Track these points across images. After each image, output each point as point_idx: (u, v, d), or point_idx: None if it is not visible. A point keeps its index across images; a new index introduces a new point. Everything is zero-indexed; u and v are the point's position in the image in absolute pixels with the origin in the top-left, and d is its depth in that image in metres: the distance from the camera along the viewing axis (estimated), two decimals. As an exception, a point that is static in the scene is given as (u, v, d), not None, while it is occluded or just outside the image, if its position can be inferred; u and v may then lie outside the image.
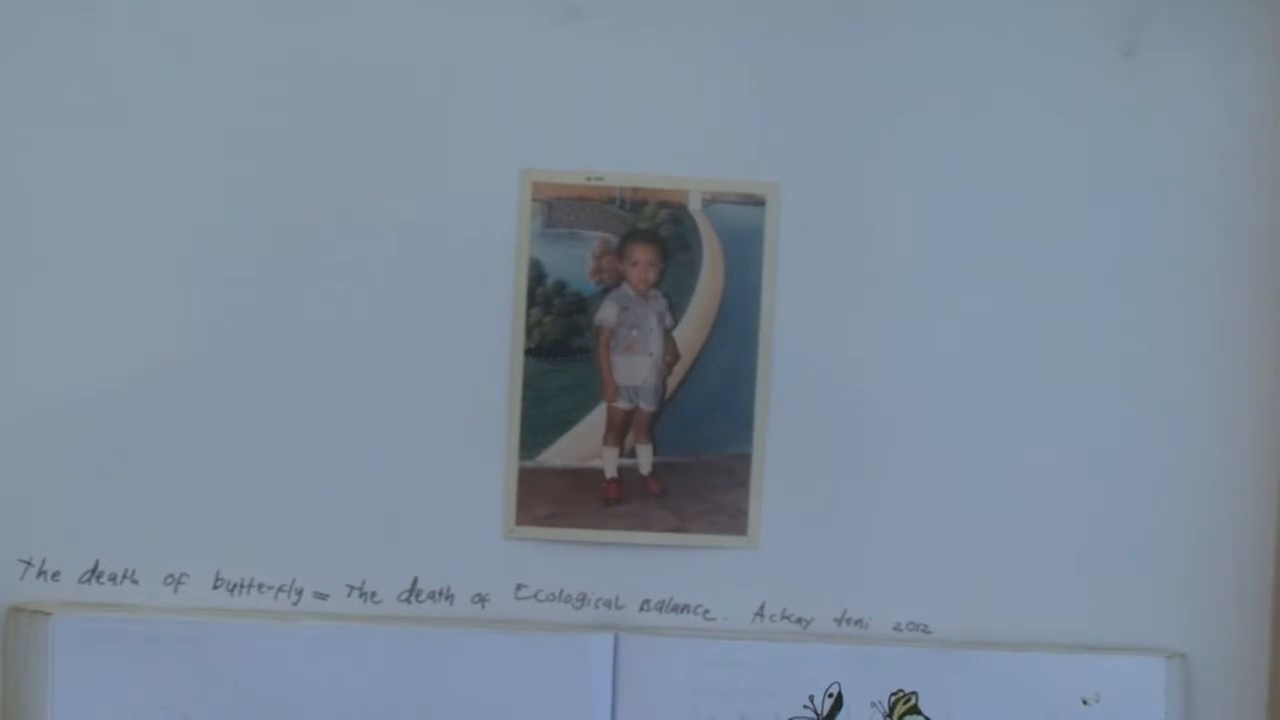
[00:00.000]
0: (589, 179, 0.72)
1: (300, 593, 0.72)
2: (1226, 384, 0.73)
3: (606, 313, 0.72)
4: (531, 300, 0.72)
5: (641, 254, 0.72)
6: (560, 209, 0.72)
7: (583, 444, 0.73)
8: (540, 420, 0.72)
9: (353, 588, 0.72)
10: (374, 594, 0.72)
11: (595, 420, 0.73)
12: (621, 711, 0.72)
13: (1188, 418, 0.73)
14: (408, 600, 0.73)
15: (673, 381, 0.73)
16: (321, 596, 0.72)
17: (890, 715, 0.72)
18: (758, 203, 0.72)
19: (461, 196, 0.72)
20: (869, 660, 0.72)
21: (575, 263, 0.72)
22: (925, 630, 0.74)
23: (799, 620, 0.73)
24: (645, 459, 0.73)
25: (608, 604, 0.73)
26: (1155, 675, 0.73)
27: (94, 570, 0.72)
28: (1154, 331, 0.73)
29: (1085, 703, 0.73)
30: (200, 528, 0.72)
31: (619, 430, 0.73)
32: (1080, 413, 0.73)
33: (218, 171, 0.71)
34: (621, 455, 0.73)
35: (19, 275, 0.71)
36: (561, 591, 0.73)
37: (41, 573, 0.71)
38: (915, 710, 0.72)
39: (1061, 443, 0.73)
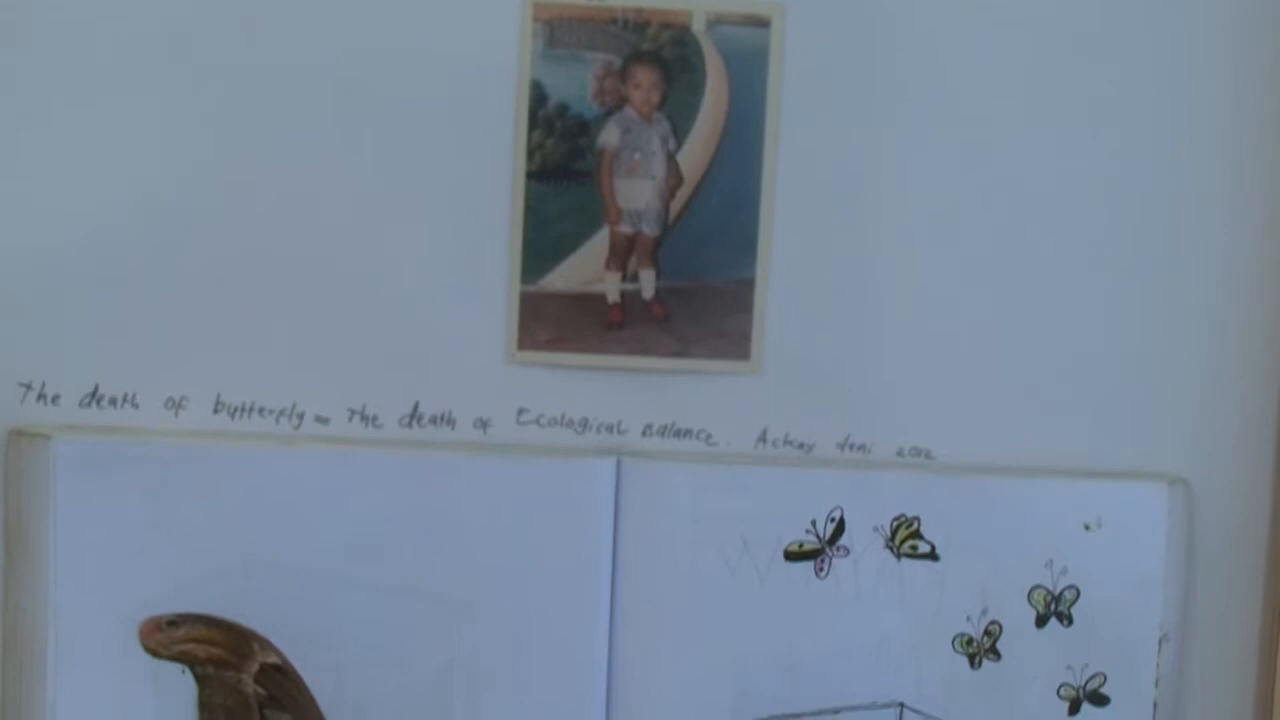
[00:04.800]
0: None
1: (301, 417, 0.72)
2: (1231, 205, 0.73)
3: (609, 136, 0.71)
4: (533, 123, 0.71)
5: (644, 76, 0.71)
6: (562, 30, 0.71)
7: (585, 268, 0.72)
8: (542, 244, 0.72)
9: (354, 412, 0.72)
10: (375, 418, 0.72)
11: (598, 244, 0.72)
12: (623, 536, 0.72)
13: (1192, 240, 0.73)
14: (409, 425, 0.72)
15: (676, 206, 0.72)
16: (322, 421, 0.72)
17: (892, 540, 0.72)
18: (762, 24, 0.71)
19: (462, 18, 0.71)
20: (871, 485, 0.72)
21: (577, 85, 0.71)
22: (928, 455, 0.73)
23: (801, 445, 0.73)
24: (648, 284, 0.72)
25: (610, 429, 0.73)
26: (1157, 501, 0.73)
27: (94, 394, 0.71)
28: (1158, 149, 0.72)
29: (1087, 528, 0.73)
30: (201, 352, 0.71)
31: (622, 255, 0.72)
32: (1085, 238, 0.73)
33: (215, -5, 0.70)
34: (624, 280, 0.72)
35: (14, 101, 0.70)
36: (563, 416, 0.73)
37: (41, 396, 0.71)
38: (917, 535, 0.72)
39: (1066, 269, 0.73)
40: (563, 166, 0.71)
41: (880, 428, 0.73)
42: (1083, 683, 0.73)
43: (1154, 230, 0.73)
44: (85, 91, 0.70)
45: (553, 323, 0.72)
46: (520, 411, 0.72)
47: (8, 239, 0.70)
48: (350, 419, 0.72)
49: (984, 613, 0.73)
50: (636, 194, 0.72)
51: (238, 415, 0.72)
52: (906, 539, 0.72)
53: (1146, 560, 0.73)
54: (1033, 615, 0.73)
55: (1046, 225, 0.73)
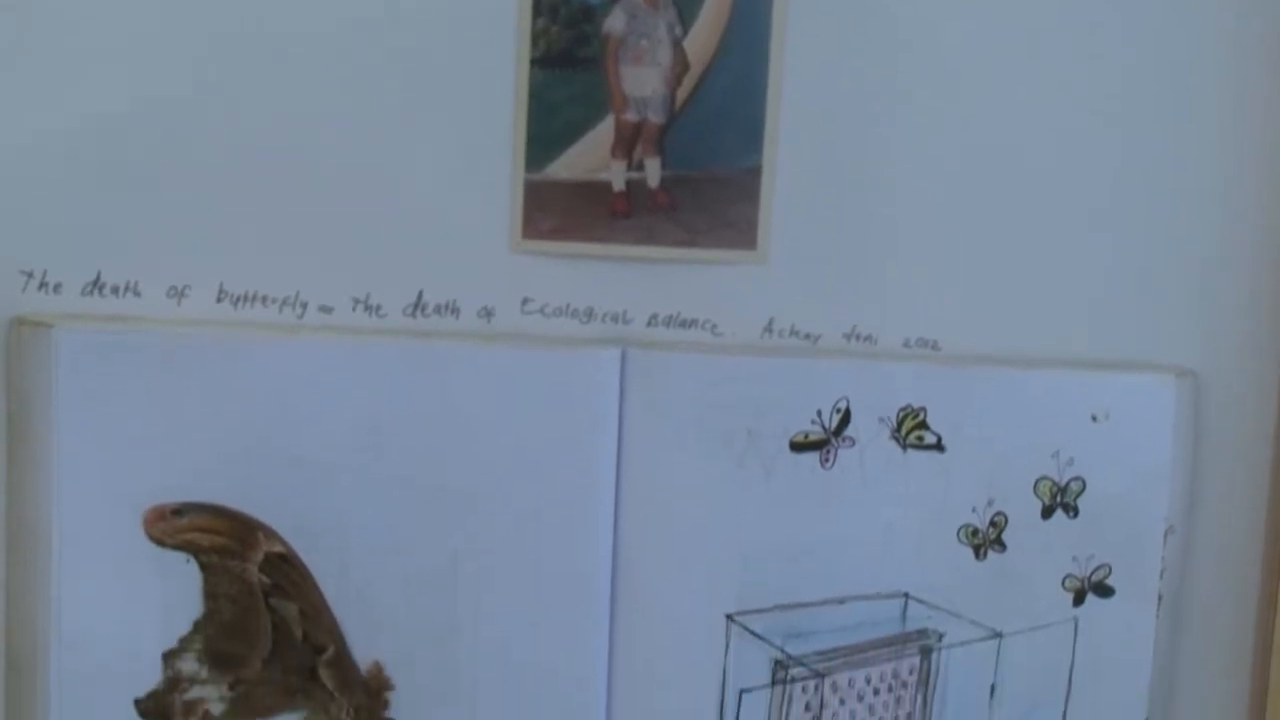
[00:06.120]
0: (597, -118, 0.70)
1: (304, 306, 0.72)
2: (1240, 96, 0.72)
3: (615, 21, 0.71)
4: (537, 9, 0.70)
5: (650, -39, 0.70)
6: (567, -86, 0.70)
7: (590, 157, 0.71)
8: (547, 132, 0.71)
9: (358, 301, 0.72)
10: (379, 307, 0.72)
11: (602, 132, 0.71)
12: (628, 426, 0.71)
13: (1201, 129, 0.72)
14: (413, 314, 0.72)
15: (682, 93, 0.71)
16: (326, 310, 0.72)
17: (898, 431, 0.72)
18: (771, -92, 0.70)
19: (466, -97, 0.70)
20: (877, 376, 0.72)
21: (582, -30, 0.70)
22: (935, 346, 0.73)
23: (807, 336, 0.73)
24: (653, 172, 0.71)
25: (615, 318, 0.72)
26: (1164, 392, 0.72)
27: (96, 282, 0.71)
28: (1168, 34, 0.71)
29: (1094, 419, 0.72)
30: (203, 239, 0.71)
31: (627, 143, 0.71)
32: (1092, 124, 0.72)
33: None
34: (630, 168, 0.71)
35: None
36: (568, 306, 0.72)
37: (43, 285, 0.70)
38: (923, 426, 0.72)
39: (1074, 158, 0.72)
40: (567, 53, 0.71)
41: (887, 318, 0.73)
42: (1088, 574, 0.73)
43: (1163, 120, 0.72)
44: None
45: (557, 211, 0.71)
46: (525, 301, 0.72)
47: (10, 127, 0.69)
48: (354, 308, 0.72)
49: (989, 504, 0.73)
50: (642, 81, 0.71)
51: (240, 304, 0.71)
52: (912, 430, 0.72)
53: (1153, 452, 0.72)
54: (1038, 506, 0.73)
55: (1056, 114, 0.72)
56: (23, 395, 0.69)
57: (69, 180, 0.70)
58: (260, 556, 0.71)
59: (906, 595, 0.73)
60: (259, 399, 0.70)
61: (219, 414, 0.70)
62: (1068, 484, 0.73)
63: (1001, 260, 0.72)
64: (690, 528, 0.72)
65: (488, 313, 0.72)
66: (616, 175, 0.71)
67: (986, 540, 0.73)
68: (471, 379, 0.71)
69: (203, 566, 0.71)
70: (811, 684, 0.73)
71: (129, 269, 0.71)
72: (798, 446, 0.72)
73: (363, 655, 0.72)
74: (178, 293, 0.71)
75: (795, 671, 0.73)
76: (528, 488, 0.71)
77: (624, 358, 0.71)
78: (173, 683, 0.71)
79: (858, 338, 0.73)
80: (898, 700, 0.74)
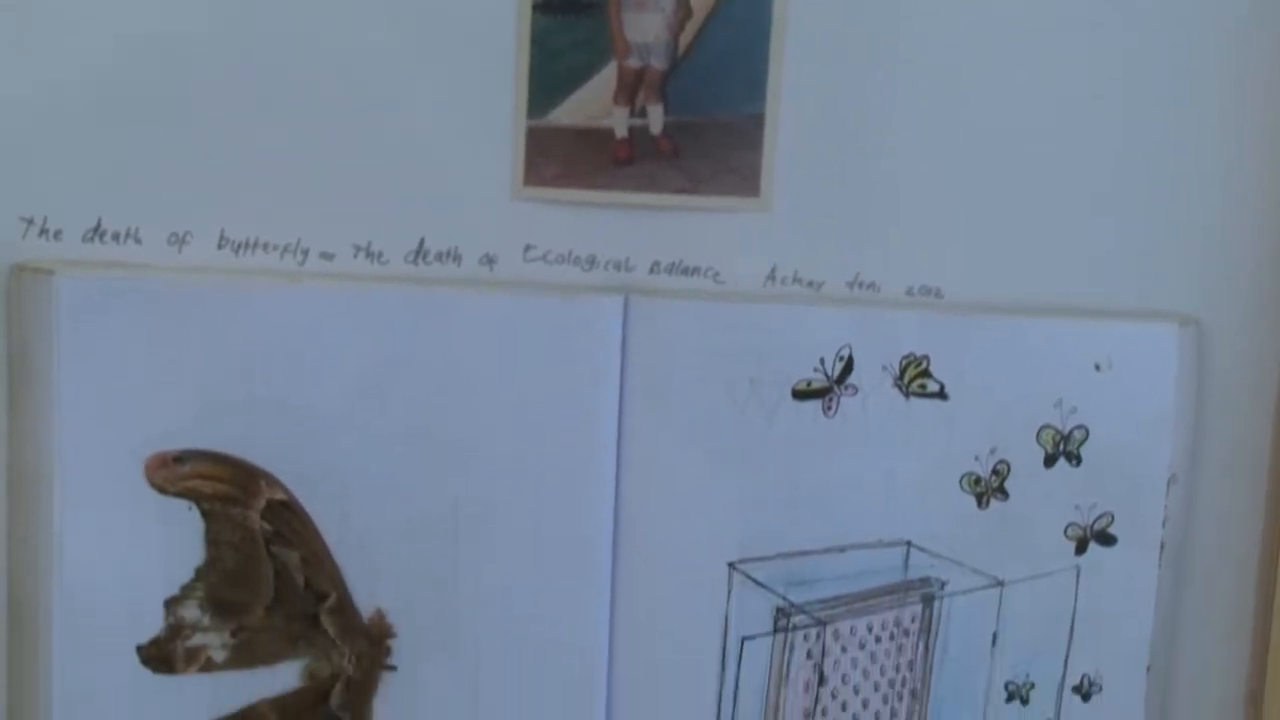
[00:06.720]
0: None
1: (306, 253, 0.71)
2: (1246, 39, 0.71)
3: (617, -34, 0.70)
4: (540, -46, 0.70)
5: (653, -95, 0.70)
6: None
7: (592, 103, 0.71)
8: (549, 78, 0.71)
9: (359, 248, 0.71)
10: (380, 254, 0.72)
11: (605, 78, 0.71)
12: (630, 374, 0.71)
13: (1204, 75, 0.72)
14: (414, 261, 0.72)
15: (685, 39, 0.71)
16: (327, 257, 0.71)
17: (901, 379, 0.72)
18: None
19: None
20: (880, 324, 0.72)
21: (585, -86, 0.70)
22: (938, 294, 0.73)
23: (810, 283, 0.73)
24: (656, 119, 0.71)
25: (617, 266, 0.72)
26: (1168, 340, 0.72)
27: (97, 229, 0.70)
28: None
29: (1097, 368, 0.72)
30: (204, 186, 0.70)
31: (629, 89, 0.71)
32: (1095, 73, 0.72)
33: None
34: (632, 115, 0.71)
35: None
36: (570, 253, 0.72)
37: (44, 231, 0.70)
38: (926, 374, 0.72)
39: (1076, 107, 0.72)
40: (570, -2, 0.70)
41: (890, 266, 0.73)
42: (1090, 522, 0.73)
43: (1165, 66, 0.72)
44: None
45: (559, 158, 0.71)
46: (527, 248, 0.72)
47: (9, 72, 0.69)
48: (355, 255, 0.71)
49: (992, 452, 0.73)
50: (645, 26, 0.70)
51: (241, 251, 0.71)
52: (915, 378, 0.72)
53: (1156, 400, 0.72)
54: (1041, 455, 0.73)
55: (1059, 62, 0.72)
56: (23, 342, 0.69)
57: (70, 126, 0.69)
58: (262, 504, 0.71)
59: (909, 543, 0.73)
60: (260, 346, 0.70)
61: (220, 361, 0.70)
62: (1070, 432, 0.72)
63: (1005, 208, 0.72)
64: (692, 476, 0.72)
65: (490, 260, 0.72)
66: (619, 122, 0.71)
67: (989, 488, 0.73)
68: (473, 326, 0.70)
69: (204, 514, 0.71)
70: (813, 632, 0.73)
71: (130, 215, 0.70)
72: (800, 394, 0.72)
73: (364, 603, 0.72)
74: (179, 239, 0.71)
75: (797, 619, 0.73)
76: (529, 435, 0.71)
77: (626, 305, 0.71)
78: (175, 630, 0.71)
79: (861, 285, 0.73)
80: (899, 648, 0.74)
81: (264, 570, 0.71)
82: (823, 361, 0.72)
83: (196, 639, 0.71)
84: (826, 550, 0.73)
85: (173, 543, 0.71)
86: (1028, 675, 0.74)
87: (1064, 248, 0.73)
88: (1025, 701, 0.75)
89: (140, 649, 0.71)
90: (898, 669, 0.74)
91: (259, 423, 0.70)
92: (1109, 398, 0.72)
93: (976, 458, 0.73)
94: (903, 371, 0.72)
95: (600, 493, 0.72)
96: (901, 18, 0.71)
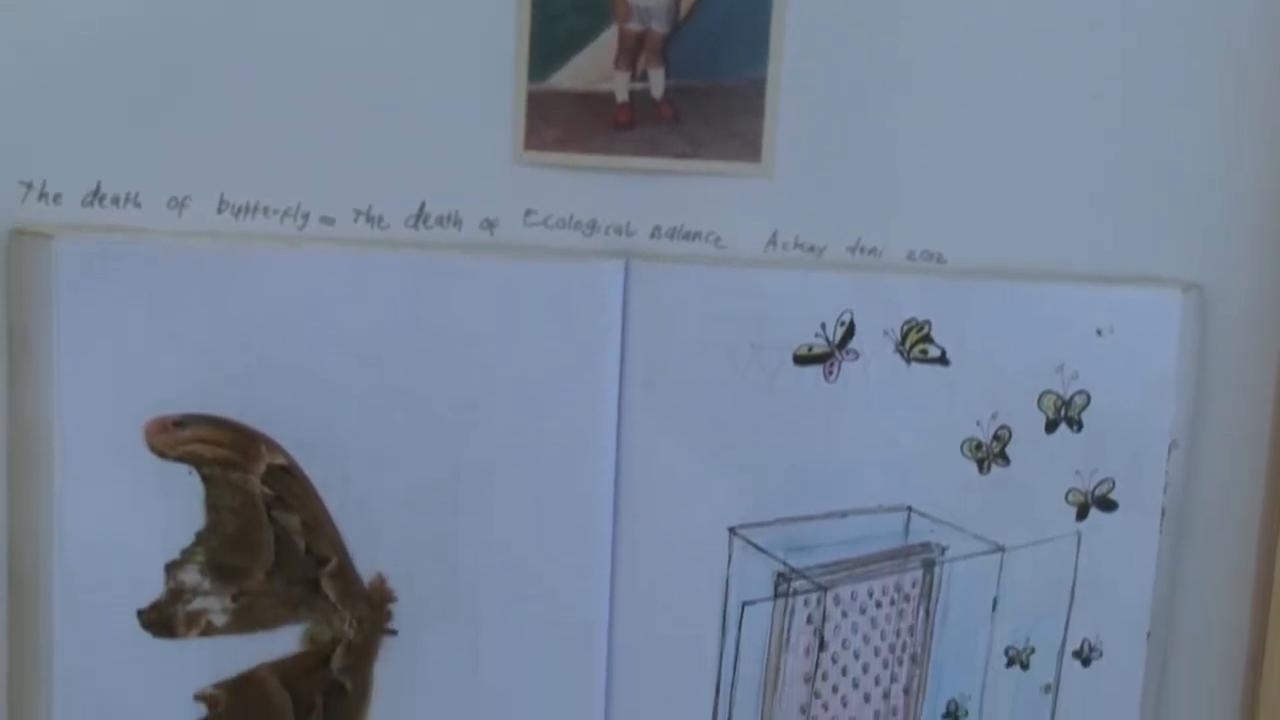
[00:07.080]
0: None
1: (306, 217, 0.71)
2: (1251, 4, 0.71)
3: (618, -71, 0.70)
4: (540, -84, 0.70)
5: None
6: None
7: (593, 66, 0.71)
8: (550, 41, 0.70)
9: (359, 212, 0.71)
10: (381, 218, 0.71)
11: (606, 42, 0.71)
12: (631, 338, 0.71)
13: (1208, 40, 0.71)
14: (415, 226, 0.71)
15: (686, 3, 0.70)
16: (328, 221, 0.71)
17: (902, 344, 0.72)
18: None
19: None
20: (882, 289, 0.72)
21: (586, -124, 0.70)
22: (940, 259, 0.73)
23: (811, 248, 0.72)
24: (657, 83, 0.71)
25: (618, 230, 0.72)
26: (1170, 306, 0.72)
27: (96, 193, 0.70)
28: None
29: (1099, 333, 0.72)
30: (203, 149, 0.70)
31: (630, 53, 0.71)
32: (1100, 39, 0.71)
33: None
34: (633, 79, 0.71)
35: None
36: (571, 218, 0.72)
37: (43, 195, 0.70)
38: (927, 339, 0.72)
39: (1079, 71, 0.72)
40: (571, -39, 0.70)
41: (892, 231, 0.72)
42: (1091, 488, 0.73)
43: (1169, 31, 0.71)
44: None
45: (560, 122, 0.71)
46: (528, 213, 0.72)
47: (8, 35, 0.69)
48: (356, 219, 0.71)
49: (993, 417, 0.73)
50: (646, -10, 0.70)
51: (241, 215, 0.71)
52: (917, 343, 0.72)
53: (1158, 366, 0.72)
54: (1042, 420, 0.73)
55: (1062, 27, 0.71)
56: (22, 307, 0.69)
57: (69, 90, 0.69)
58: (262, 468, 0.71)
59: (909, 509, 0.73)
60: (260, 310, 0.69)
61: (220, 325, 0.69)
62: (1072, 398, 0.72)
63: (1007, 173, 0.72)
64: (693, 441, 0.72)
65: (490, 224, 0.72)
66: (620, 86, 0.71)
67: (990, 454, 0.73)
68: (474, 290, 0.70)
69: (204, 478, 0.71)
70: (814, 597, 0.73)
71: (129, 179, 0.70)
72: (801, 359, 0.72)
73: (365, 568, 0.72)
74: (178, 204, 0.71)
75: (797, 585, 0.73)
76: (530, 399, 0.71)
77: (627, 270, 0.71)
78: (175, 594, 0.71)
79: (862, 250, 0.72)
80: (900, 613, 0.74)
81: (264, 535, 0.71)
82: (824, 327, 0.71)
83: (197, 603, 0.71)
84: (827, 515, 0.73)
85: (173, 508, 0.71)
86: (1028, 640, 0.74)
87: (1066, 213, 0.72)
88: (1025, 666, 0.75)
89: (141, 613, 0.71)
90: (898, 634, 0.74)
91: (259, 387, 0.70)
92: (1111, 363, 0.72)
93: (978, 423, 0.73)
94: (904, 337, 0.72)
95: (601, 458, 0.72)
96: (904, -19, 0.71)
